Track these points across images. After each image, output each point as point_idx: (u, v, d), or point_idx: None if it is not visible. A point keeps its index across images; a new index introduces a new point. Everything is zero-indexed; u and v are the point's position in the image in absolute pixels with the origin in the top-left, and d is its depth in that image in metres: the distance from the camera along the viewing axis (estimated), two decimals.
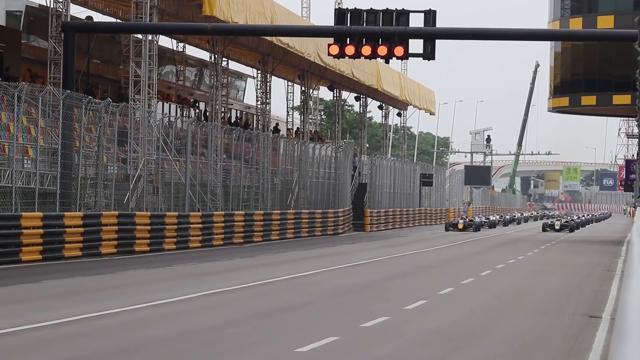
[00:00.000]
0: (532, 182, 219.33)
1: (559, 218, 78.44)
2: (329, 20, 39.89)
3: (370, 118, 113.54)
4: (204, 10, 41.51)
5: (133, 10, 38.55)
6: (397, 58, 38.59)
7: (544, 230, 70.83)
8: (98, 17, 47.44)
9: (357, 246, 44.64)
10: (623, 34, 44.97)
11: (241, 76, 68.83)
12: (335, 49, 38.14)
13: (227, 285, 23.46)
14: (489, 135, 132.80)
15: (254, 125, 57.96)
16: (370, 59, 42.11)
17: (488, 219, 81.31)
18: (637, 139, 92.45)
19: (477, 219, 73.38)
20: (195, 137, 41.25)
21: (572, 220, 77.74)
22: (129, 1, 39.13)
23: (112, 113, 34.58)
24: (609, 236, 64.50)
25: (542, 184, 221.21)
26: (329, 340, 15.04)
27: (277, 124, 62.69)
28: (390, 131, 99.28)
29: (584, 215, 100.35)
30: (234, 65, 60.92)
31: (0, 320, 16.27)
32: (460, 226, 67.80)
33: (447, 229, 68.42)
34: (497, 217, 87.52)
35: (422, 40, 38.56)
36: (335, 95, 69.04)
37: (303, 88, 62.29)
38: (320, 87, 69.91)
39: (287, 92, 63.52)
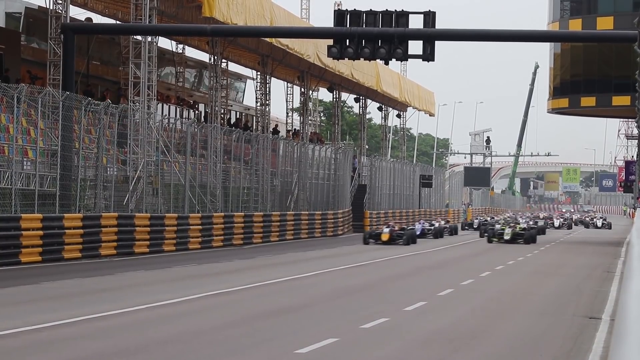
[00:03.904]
0: (531, 183, 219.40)
1: (512, 225, 54.32)
2: (328, 22, 39.94)
3: (370, 119, 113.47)
4: (203, 12, 41.48)
5: (132, 12, 38.54)
6: (397, 59, 38.62)
7: (489, 241, 51.60)
8: (97, 19, 47.47)
9: (356, 247, 44.61)
10: (622, 35, 44.95)
11: (241, 77, 68.81)
12: (334, 50, 38.18)
13: (227, 286, 23.46)
14: (488, 137, 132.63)
15: (254, 127, 57.96)
16: (369, 60, 42.09)
17: (432, 225, 57.89)
18: (636, 140, 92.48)
19: (409, 228, 51.92)
20: (195, 139, 41.24)
21: (528, 228, 55.22)
22: (129, 2, 39.11)
23: (111, 114, 34.58)
24: (608, 237, 64.49)
25: (541, 185, 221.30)
26: (328, 342, 15.04)
27: (276, 125, 62.65)
28: (389, 132, 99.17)
29: (562, 218, 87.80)
30: (233, 67, 60.97)
31: (0, 322, 16.27)
32: (385, 237, 46.33)
33: (365, 242, 46.80)
34: (442, 222, 61.88)
35: (421, 42, 38.58)
36: (334, 96, 69.00)
37: (302, 89, 62.25)
38: (320, 88, 69.89)
39: (287, 94, 63.54)
